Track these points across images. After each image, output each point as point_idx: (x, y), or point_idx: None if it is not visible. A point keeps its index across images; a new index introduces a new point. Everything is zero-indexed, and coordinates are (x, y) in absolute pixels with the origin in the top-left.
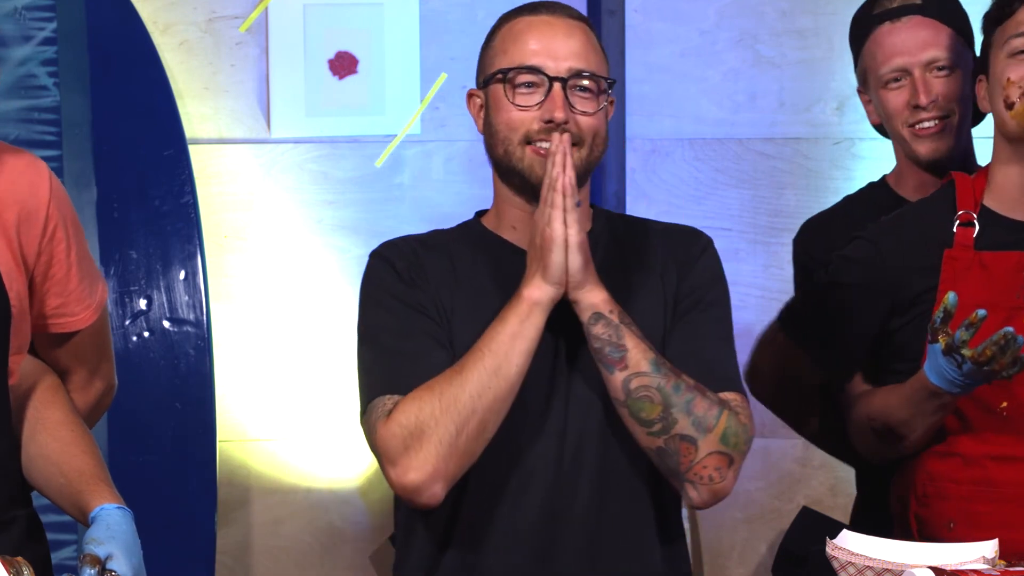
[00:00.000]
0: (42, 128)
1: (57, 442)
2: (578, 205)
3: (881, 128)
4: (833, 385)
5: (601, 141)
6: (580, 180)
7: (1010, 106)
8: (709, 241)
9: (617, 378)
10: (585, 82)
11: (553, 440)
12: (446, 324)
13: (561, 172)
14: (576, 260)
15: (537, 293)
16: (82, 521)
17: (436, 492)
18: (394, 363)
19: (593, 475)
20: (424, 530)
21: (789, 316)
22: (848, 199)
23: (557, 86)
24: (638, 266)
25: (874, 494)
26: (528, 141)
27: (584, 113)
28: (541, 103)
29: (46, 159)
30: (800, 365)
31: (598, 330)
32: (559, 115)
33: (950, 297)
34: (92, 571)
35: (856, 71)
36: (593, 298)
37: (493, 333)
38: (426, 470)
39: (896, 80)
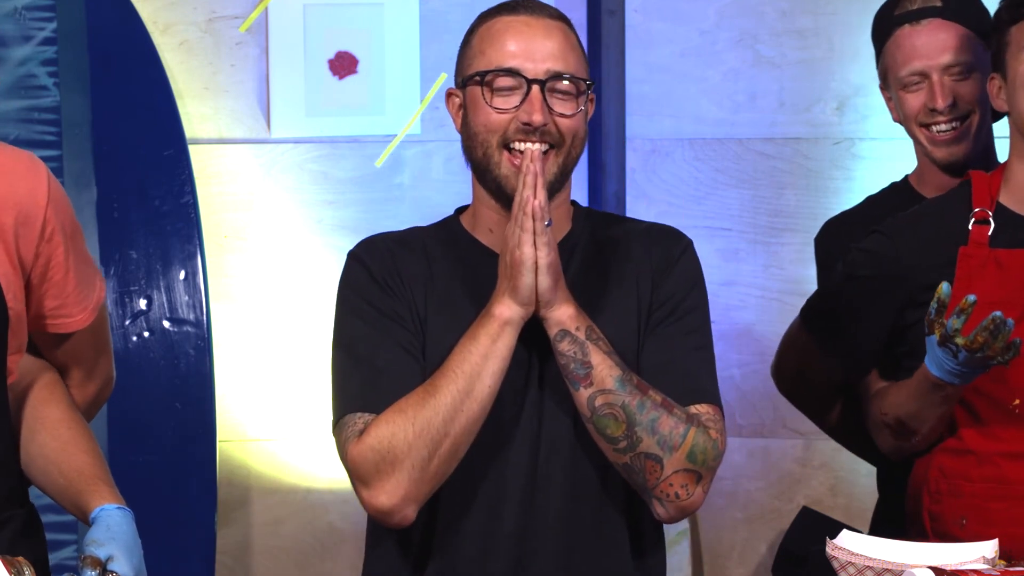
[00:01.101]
0: (42, 128)
1: (56, 441)
2: (548, 225)
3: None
4: (849, 380)
5: (580, 142)
6: (560, 181)
7: None
8: (689, 243)
9: (583, 395)
10: (563, 84)
11: (526, 451)
12: (419, 330)
13: (532, 195)
14: (545, 281)
15: (507, 312)
16: (84, 521)
17: (408, 515)
18: (368, 378)
19: (566, 486)
20: (395, 541)
21: (808, 309)
22: (870, 199)
23: (535, 89)
24: (615, 269)
25: (896, 496)
26: (506, 144)
27: (563, 115)
28: (519, 106)
29: (46, 159)
30: (818, 360)
31: (564, 347)
32: (537, 118)
33: (943, 288)
34: (93, 573)
35: (878, 68)
36: (559, 315)
37: (465, 353)
38: (398, 494)
39: (915, 83)
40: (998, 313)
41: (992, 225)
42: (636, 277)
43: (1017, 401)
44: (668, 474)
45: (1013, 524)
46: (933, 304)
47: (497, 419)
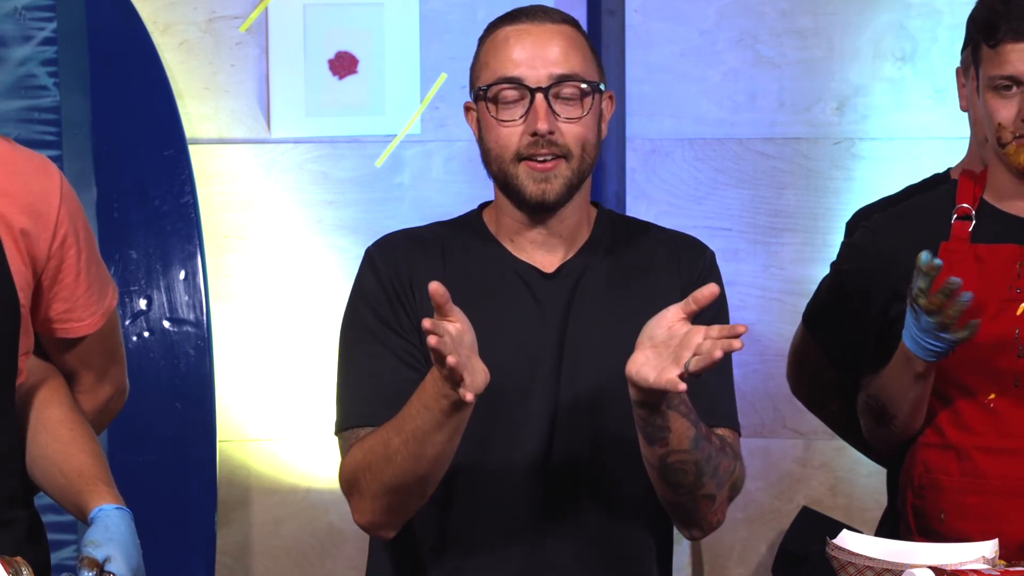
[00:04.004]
0: (42, 128)
1: (57, 442)
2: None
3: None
4: (844, 376)
5: (592, 148)
6: (573, 189)
7: (1003, 145)
8: (712, 256)
9: (655, 451)
10: (568, 88)
11: (539, 466)
12: (421, 341)
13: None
14: (679, 386)
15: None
16: (83, 521)
17: (383, 533)
18: (366, 392)
19: (584, 504)
20: (401, 540)
21: (806, 308)
22: (909, 188)
23: (539, 97)
24: (640, 276)
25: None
26: (520, 158)
27: (569, 120)
28: (525, 116)
29: None
30: (816, 358)
31: (644, 413)
32: (542, 126)
33: (922, 256)
34: (91, 574)
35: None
36: (662, 408)
37: (415, 420)
38: (366, 516)
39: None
40: (954, 278)
41: (973, 221)
42: (665, 286)
43: (992, 396)
44: (716, 506)
45: (989, 519)
46: (915, 273)
47: (515, 431)
